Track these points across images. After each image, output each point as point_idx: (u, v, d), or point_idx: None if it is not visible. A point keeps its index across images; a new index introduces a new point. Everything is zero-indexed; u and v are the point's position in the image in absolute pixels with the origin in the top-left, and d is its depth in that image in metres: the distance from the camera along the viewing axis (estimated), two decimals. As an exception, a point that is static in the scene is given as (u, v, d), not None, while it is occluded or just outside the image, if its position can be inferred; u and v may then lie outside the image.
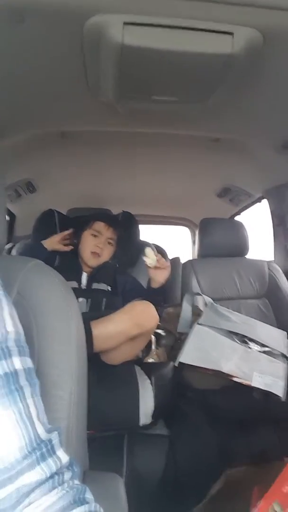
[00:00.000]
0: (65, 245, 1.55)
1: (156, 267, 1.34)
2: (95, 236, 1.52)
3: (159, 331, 1.47)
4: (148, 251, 1.35)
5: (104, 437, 1.03)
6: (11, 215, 2.20)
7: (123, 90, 1.03)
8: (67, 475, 0.41)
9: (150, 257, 1.34)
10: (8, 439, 0.39)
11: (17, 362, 0.43)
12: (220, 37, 0.80)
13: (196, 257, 2.16)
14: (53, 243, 1.52)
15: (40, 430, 0.41)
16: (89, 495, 0.42)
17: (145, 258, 1.34)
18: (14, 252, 1.85)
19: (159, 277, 1.35)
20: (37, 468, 0.39)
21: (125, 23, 0.79)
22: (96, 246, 1.49)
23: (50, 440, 0.42)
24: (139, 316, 1.12)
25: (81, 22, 0.80)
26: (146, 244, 1.72)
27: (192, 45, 0.81)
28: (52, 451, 0.41)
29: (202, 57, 0.84)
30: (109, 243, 1.54)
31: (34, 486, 0.38)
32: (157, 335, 1.45)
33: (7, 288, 0.58)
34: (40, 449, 0.40)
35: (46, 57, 0.92)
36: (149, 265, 1.34)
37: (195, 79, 0.97)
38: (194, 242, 3.02)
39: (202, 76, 0.95)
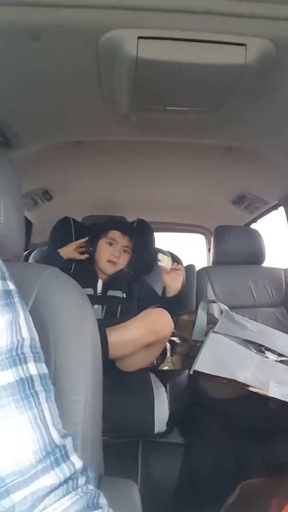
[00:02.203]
0: (80, 253, 1.57)
1: (171, 270, 1.36)
2: (110, 244, 1.54)
3: (174, 338, 1.47)
4: (161, 256, 1.40)
5: (118, 444, 1.03)
6: (28, 223, 2.25)
7: (137, 101, 1.05)
8: (81, 480, 0.42)
9: (164, 261, 1.38)
10: (23, 443, 0.39)
11: (33, 368, 0.43)
12: (233, 49, 0.81)
13: (211, 264, 2.15)
14: (69, 251, 1.54)
15: (55, 435, 0.42)
16: (103, 500, 0.42)
17: (159, 263, 1.38)
18: (31, 259, 1.89)
19: (174, 283, 1.37)
20: (52, 473, 0.39)
21: (140, 37, 0.81)
22: (112, 254, 1.51)
23: (64, 446, 0.42)
24: (154, 324, 1.12)
25: (97, 38, 0.83)
26: (160, 251, 1.73)
27: (205, 57, 0.83)
28: (66, 456, 0.41)
29: (216, 68, 0.86)
30: (124, 251, 1.55)
31: (48, 490, 0.38)
32: (172, 342, 1.45)
33: (25, 295, 0.60)
34: (54, 454, 0.40)
35: (62, 72, 0.96)
36: (165, 266, 1.38)
37: (208, 90, 0.98)
38: (209, 250, 3.01)
39: (215, 86, 0.96)
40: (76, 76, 0.98)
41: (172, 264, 1.37)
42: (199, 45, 0.81)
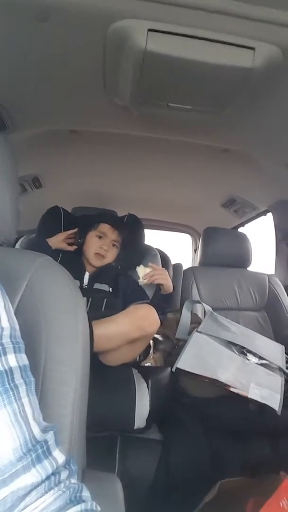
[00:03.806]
0: (69, 244, 1.55)
1: (148, 276, 1.41)
2: (100, 237, 1.52)
3: (157, 336, 1.47)
4: (139, 270, 1.45)
5: (96, 437, 1.02)
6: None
7: (141, 94, 1.04)
8: (64, 475, 0.41)
9: (140, 276, 1.43)
10: (2, 441, 0.37)
11: (12, 360, 0.42)
12: (242, 51, 0.82)
13: (196, 265, 2.17)
14: (57, 241, 1.52)
15: (36, 430, 0.40)
16: (86, 493, 0.41)
17: (140, 276, 1.44)
18: (17, 246, 1.85)
19: (163, 288, 1.41)
20: (33, 471, 0.37)
21: (150, 30, 0.80)
22: (101, 248, 1.49)
23: (46, 441, 0.40)
24: (141, 320, 1.12)
25: (106, 26, 0.81)
26: (148, 250, 1.73)
27: (214, 57, 0.83)
28: (48, 452, 0.40)
29: (223, 68, 0.86)
30: (113, 245, 1.54)
31: (29, 489, 0.37)
32: (154, 339, 1.45)
33: (16, 282, 0.59)
34: (35, 451, 0.39)
35: (67, 56, 0.94)
36: (140, 283, 1.44)
37: (212, 90, 0.98)
38: (195, 250, 3.03)
39: (219, 87, 0.96)
40: (80, 62, 0.96)
41: (149, 275, 1.41)
42: (208, 44, 0.81)
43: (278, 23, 0.77)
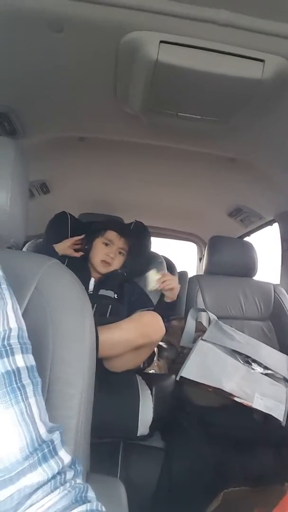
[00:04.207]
0: (75, 250, 1.56)
1: (163, 285, 1.37)
2: (106, 244, 1.53)
3: (161, 343, 1.47)
4: (151, 274, 1.41)
5: (99, 443, 1.01)
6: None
7: (151, 104, 1.06)
8: (69, 474, 0.41)
9: (150, 281, 1.39)
10: (9, 439, 0.38)
11: (20, 360, 0.42)
12: (252, 63, 0.84)
13: (201, 273, 2.16)
14: (64, 247, 1.53)
15: (42, 430, 0.41)
16: (91, 494, 0.41)
17: (151, 281, 1.40)
18: (24, 250, 1.86)
19: (172, 290, 1.38)
20: (39, 469, 0.38)
21: (162, 42, 0.82)
22: (107, 255, 1.50)
23: (52, 441, 0.41)
24: (146, 326, 1.12)
25: (118, 37, 0.83)
26: (155, 257, 1.74)
27: (224, 68, 0.85)
28: (54, 452, 0.40)
29: (232, 80, 0.87)
30: (120, 252, 1.55)
31: (35, 487, 0.37)
32: (159, 347, 1.45)
33: (25, 284, 0.60)
34: (42, 450, 0.39)
35: (79, 65, 0.96)
36: (150, 289, 1.40)
37: (221, 101, 1.00)
38: (200, 259, 3.03)
39: (228, 98, 0.98)
40: (92, 72, 0.98)
41: (160, 281, 1.37)
42: (219, 56, 0.83)
43: (285, 36, 0.78)
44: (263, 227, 2.17)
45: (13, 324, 0.44)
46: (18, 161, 0.67)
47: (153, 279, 1.40)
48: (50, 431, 0.42)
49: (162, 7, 0.75)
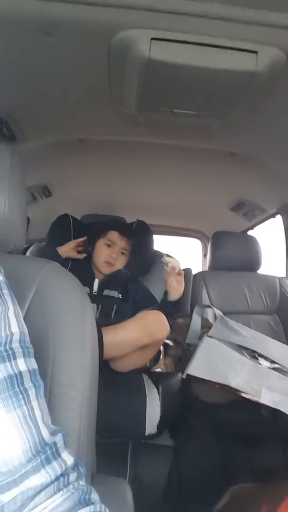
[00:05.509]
0: (78, 252, 1.57)
1: (177, 273, 1.35)
2: (109, 246, 1.53)
3: (167, 341, 1.47)
4: (169, 258, 1.39)
5: (108, 443, 1.02)
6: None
7: (146, 102, 1.05)
8: (72, 476, 0.41)
9: (172, 262, 1.37)
10: (12, 442, 0.39)
11: (22, 364, 0.43)
12: (245, 55, 0.82)
13: (206, 269, 2.15)
14: (67, 250, 1.54)
15: (45, 433, 0.41)
16: (95, 496, 0.41)
17: (169, 264, 1.37)
18: (28, 254, 1.88)
19: (180, 286, 1.37)
20: (42, 471, 0.39)
21: (153, 39, 0.81)
22: (110, 256, 1.50)
23: (54, 443, 0.41)
24: (151, 326, 1.12)
25: (110, 36, 0.83)
26: (159, 254, 1.73)
27: (216, 62, 0.84)
28: (57, 454, 0.41)
29: (226, 73, 0.86)
30: (122, 253, 1.55)
31: (39, 489, 0.38)
32: (165, 345, 1.45)
33: (26, 288, 0.60)
34: (44, 452, 0.39)
35: (73, 68, 0.96)
36: (175, 266, 1.36)
37: (216, 95, 0.99)
38: (204, 255, 3.02)
39: (223, 92, 0.97)
40: (86, 73, 0.98)
41: (171, 262, 1.36)
42: (211, 50, 0.82)
43: (280, 26, 0.77)
44: (267, 220, 2.15)
45: (15, 328, 0.44)
46: (15, 167, 0.67)
47: (176, 263, 1.39)
48: (52, 433, 0.42)
49: (152, 4, 0.75)
